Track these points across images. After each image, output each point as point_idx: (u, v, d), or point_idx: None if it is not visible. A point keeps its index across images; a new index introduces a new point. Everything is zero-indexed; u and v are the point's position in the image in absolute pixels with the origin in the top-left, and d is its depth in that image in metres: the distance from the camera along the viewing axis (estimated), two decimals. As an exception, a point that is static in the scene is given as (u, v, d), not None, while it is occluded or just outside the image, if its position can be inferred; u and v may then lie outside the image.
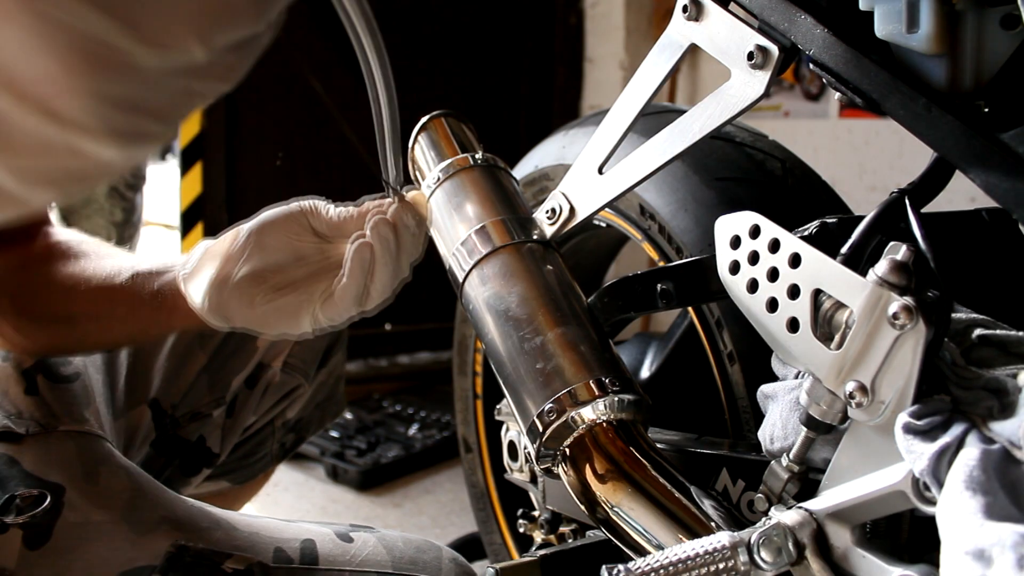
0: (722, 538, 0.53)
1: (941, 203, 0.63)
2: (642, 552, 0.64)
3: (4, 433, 0.76)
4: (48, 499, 0.70)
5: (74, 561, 0.68)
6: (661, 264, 0.90)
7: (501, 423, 1.00)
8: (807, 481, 0.58)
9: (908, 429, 0.48)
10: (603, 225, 1.01)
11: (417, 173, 0.88)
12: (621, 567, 0.52)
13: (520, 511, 1.02)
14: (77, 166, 0.36)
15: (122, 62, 0.33)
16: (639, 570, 0.52)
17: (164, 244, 3.94)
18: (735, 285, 0.61)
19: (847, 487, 0.53)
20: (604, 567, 0.53)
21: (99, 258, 0.83)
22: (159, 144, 0.39)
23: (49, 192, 0.38)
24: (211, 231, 2.33)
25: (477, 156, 0.84)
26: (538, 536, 0.97)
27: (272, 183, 2.47)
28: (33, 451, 0.75)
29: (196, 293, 0.76)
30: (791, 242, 0.57)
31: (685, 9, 0.69)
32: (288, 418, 1.14)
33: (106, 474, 0.76)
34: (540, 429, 0.68)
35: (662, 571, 0.52)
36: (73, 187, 0.39)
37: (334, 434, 2.23)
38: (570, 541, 0.92)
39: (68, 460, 0.76)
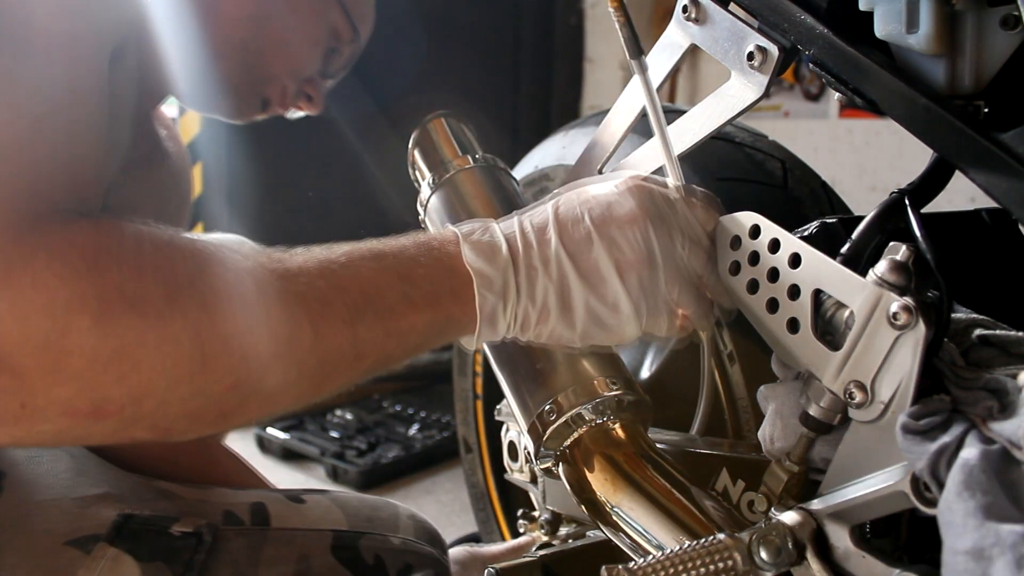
0: (722, 538, 0.54)
1: (941, 203, 0.63)
2: (642, 552, 0.64)
3: None
4: None
5: (16, 536, 0.67)
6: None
7: (501, 423, 1.00)
8: (807, 481, 0.59)
9: (908, 429, 0.48)
10: (603, 225, 1.01)
11: (417, 174, 0.88)
12: (621, 567, 0.52)
13: (520, 511, 1.02)
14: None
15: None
16: (639, 570, 0.52)
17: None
18: (735, 286, 0.61)
19: (847, 487, 0.53)
20: (604, 567, 0.53)
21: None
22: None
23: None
24: (210, 231, 2.32)
25: (477, 156, 0.84)
26: (539, 536, 0.97)
27: (272, 184, 2.47)
28: None
29: None
30: (791, 242, 0.58)
31: (685, 9, 0.69)
32: None
33: (49, 459, 0.75)
34: (540, 429, 0.68)
35: (662, 571, 0.52)
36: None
37: (334, 434, 2.22)
38: (570, 541, 0.92)
39: (11, 451, 0.74)
